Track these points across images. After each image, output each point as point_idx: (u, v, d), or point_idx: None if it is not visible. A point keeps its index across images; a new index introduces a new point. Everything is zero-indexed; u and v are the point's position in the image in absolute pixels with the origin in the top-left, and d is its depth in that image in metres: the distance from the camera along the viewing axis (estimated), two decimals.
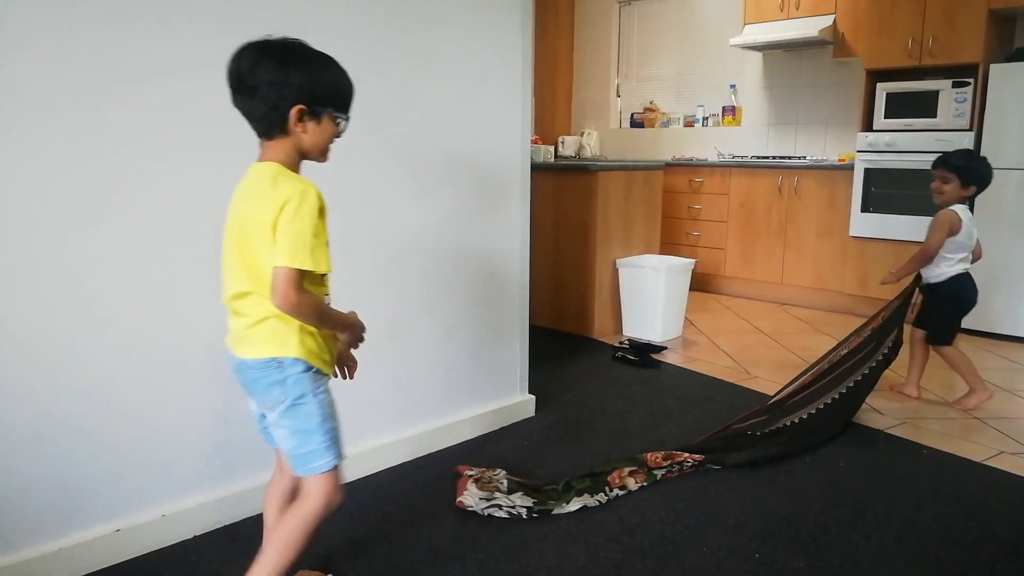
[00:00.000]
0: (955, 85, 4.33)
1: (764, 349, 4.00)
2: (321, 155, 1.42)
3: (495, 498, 2.13)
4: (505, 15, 2.56)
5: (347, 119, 1.42)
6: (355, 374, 1.65)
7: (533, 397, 2.93)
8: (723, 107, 5.97)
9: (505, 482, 2.22)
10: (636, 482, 2.31)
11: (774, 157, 5.45)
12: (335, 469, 1.46)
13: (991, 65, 4.19)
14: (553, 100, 6.78)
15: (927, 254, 2.96)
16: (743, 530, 2.04)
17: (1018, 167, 4.10)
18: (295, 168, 1.39)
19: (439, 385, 2.57)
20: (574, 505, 2.15)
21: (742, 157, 5.64)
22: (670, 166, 5.58)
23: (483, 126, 2.57)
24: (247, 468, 2.05)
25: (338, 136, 1.43)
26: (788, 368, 3.53)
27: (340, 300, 1.52)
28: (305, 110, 1.35)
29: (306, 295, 1.35)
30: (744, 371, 3.57)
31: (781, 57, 5.60)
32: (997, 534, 2.05)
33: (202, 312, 1.87)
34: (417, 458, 2.49)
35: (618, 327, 4.27)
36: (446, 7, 2.38)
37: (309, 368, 1.42)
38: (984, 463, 2.52)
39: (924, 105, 4.44)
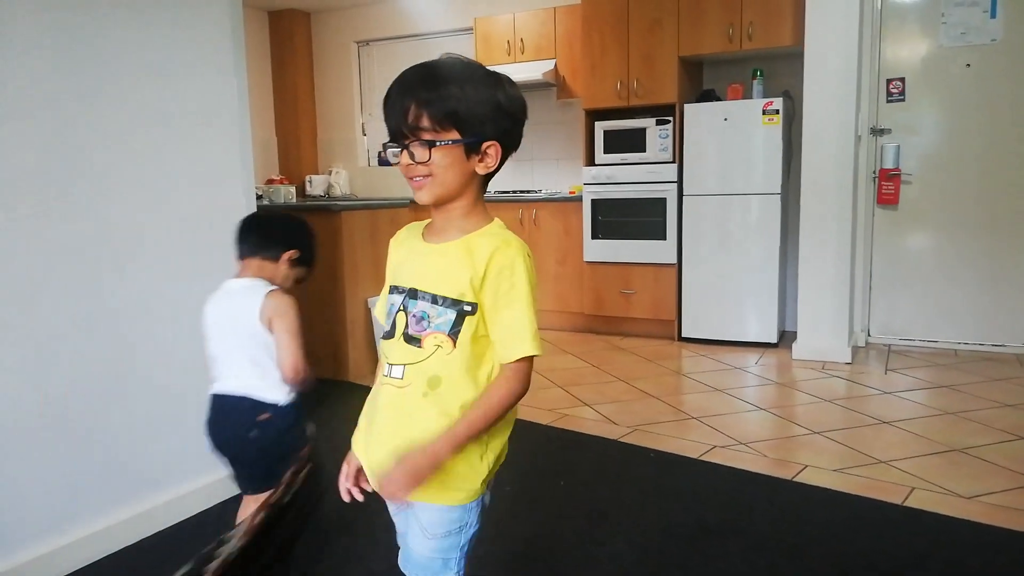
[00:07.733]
0: (658, 123, 4.90)
1: None
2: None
3: None
4: (215, 71, 2.46)
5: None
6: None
7: None
8: None
9: None
10: None
11: (514, 191, 5.77)
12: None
13: (685, 105, 4.80)
14: (297, 138, 6.63)
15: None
16: (490, 556, 2.10)
17: (714, 192, 4.72)
18: None
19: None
20: None
21: (487, 192, 5.88)
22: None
23: (204, 179, 2.45)
24: None
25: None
26: (533, 387, 3.71)
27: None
28: None
29: None
30: None
31: None
32: (706, 520, 2.30)
33: None
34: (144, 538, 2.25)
35: (374, 367, 4.20)
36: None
37: None
38: (699, 459, 2.83)
39: (635, 141, 4.96)
